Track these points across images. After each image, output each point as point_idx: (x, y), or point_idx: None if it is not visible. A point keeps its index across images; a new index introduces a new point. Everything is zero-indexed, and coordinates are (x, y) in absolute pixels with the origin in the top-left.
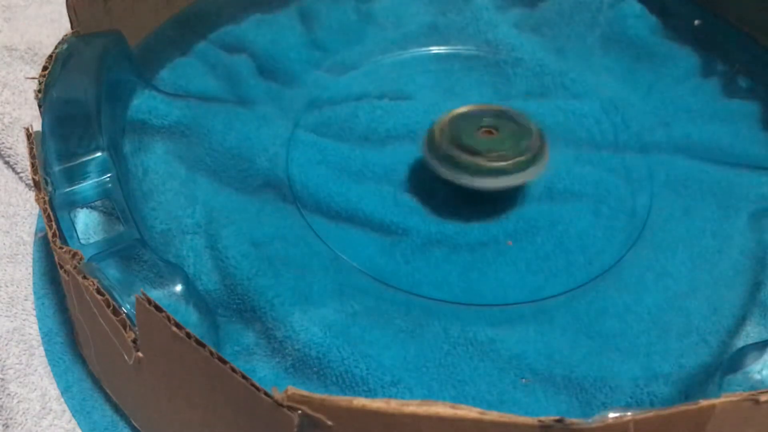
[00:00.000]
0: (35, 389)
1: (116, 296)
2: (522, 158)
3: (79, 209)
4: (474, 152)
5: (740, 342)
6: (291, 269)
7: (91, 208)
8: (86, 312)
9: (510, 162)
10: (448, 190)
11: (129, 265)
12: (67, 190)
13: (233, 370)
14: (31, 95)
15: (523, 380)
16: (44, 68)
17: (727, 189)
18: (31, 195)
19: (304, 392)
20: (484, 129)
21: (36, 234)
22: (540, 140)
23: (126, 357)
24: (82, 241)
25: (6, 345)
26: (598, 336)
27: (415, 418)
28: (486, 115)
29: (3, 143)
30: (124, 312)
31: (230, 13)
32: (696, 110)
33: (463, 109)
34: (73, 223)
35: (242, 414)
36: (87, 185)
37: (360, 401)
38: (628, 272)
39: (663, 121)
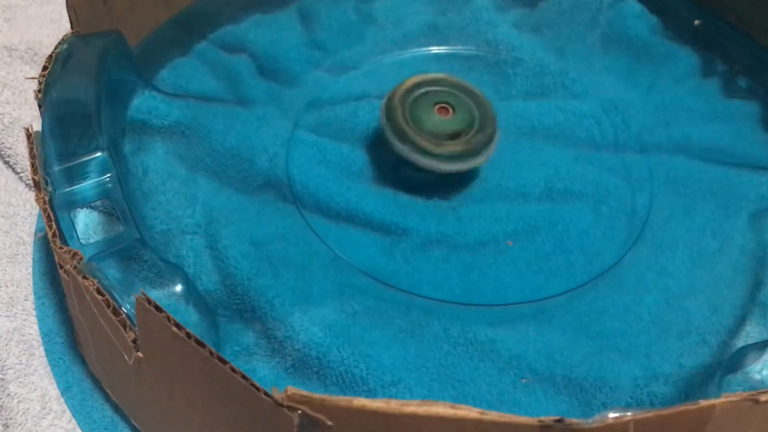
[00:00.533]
0: (35, 389)
1: (116, 296)
2: (471, 145)
3: (79, 209)
4: (429, 133)
5: (740, 342)
6: (291, 269)
7: (91, 208)
8: (86, 312)
9: (460, 148)
10: (447, 189)
11: (129, 265)
12: (67, 190)
13: (233, 370)
14: (31, 95)
15: (523, 380)
16: (44, 68)
17: (727, 189)
18: (31, 195)
19: (304, 392)
20: (440, 105)
21: (36, 234)
22: (492, 123)
23: (126, 357)
24: (82, 241)
25: (6, 345)
26: (598, 336)
27: (415, 418)
28: (444, 90)
29: (3, 143)
30: (124, 312)
31: (230, 13)
32: (696, 110)
33: (423, 78)
34: (73, 223)
35: (242, 414)
36: (87, 185)
37: (360, 401)
38: (628, 272)
39: (663, 121)
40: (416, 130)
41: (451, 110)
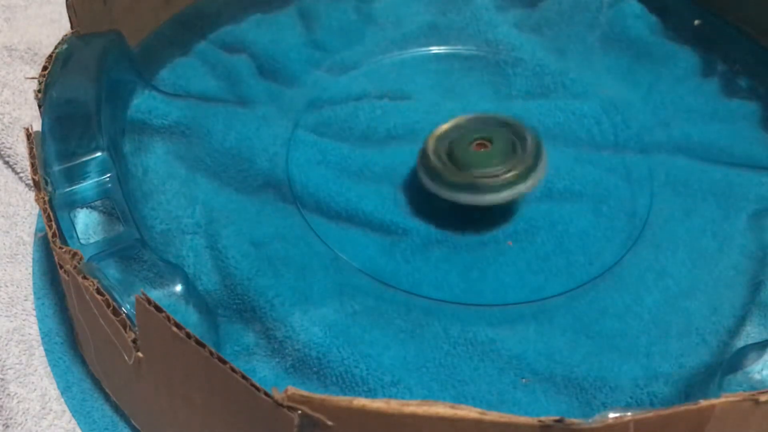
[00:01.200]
0: (35, 389)
1: (116, 296)
2: (513, 173)
3: (79, 209)
4: (466, 169)
5: (740, 342)
6: (291, 269)
7: (91, 208)
8: (86, 312)
9: (501, 179)
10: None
11: (129, 265)
12: (67, 190)
13: (233, 370)
14: (31, 95)
15: (523, 380)
16: (44, 68)
17: (727, 189)
18: (31, 195)
19: (304, 392)
20: (477, 142)
21: (36, 234)
22: (536, 150)
23: (126, 357)
24: (82, 241)
25: (6, 345)
26: (598, 336)
27: (415, 418)
28: (480, 126)
29: (3, 143)
30: (124, 312)
31: (230, 13)
32: (696, 110)
33: (457, 121)
34: (73, 223)
35: (242, 414)
36: (87, 185)
37: (360, 401)
38: (628, 272)
39: (663, 121)
40: (452, 169)
41: (489, 144)
